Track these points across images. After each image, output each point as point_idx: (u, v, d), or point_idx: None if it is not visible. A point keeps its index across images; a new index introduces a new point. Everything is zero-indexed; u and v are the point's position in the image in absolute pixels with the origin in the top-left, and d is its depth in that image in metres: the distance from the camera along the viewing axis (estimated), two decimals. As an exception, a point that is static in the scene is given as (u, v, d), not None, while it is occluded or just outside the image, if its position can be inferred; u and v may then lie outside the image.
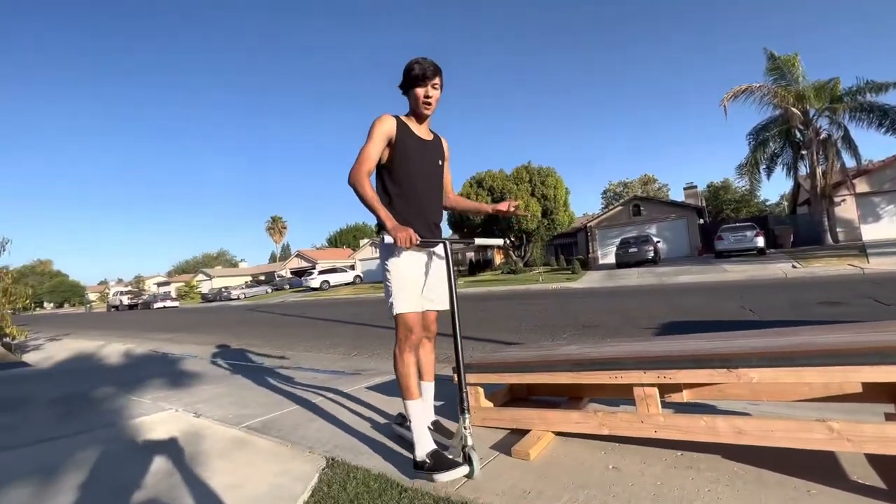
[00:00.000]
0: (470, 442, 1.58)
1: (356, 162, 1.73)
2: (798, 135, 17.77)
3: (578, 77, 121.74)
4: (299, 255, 49.50)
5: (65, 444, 2.32)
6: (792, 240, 19.77)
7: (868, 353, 1.26)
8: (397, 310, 1.76)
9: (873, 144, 70.00)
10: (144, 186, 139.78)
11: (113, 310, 36.79)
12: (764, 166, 18.92)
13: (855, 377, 1.30)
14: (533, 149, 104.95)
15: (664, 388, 1.76)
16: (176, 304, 35.50)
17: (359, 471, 1.69)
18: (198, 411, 2.78)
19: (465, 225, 22.74)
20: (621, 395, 1.98)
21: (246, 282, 44.90)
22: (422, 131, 1.87)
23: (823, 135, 17.02)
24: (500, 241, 2.25)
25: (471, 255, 30.92)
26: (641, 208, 26.19)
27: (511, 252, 23.83)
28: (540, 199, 21.89)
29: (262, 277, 48.85)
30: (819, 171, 16.98)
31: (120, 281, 68.12)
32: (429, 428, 1.93)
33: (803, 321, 4.51)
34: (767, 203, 43.47)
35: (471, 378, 1.99)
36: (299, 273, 39.88)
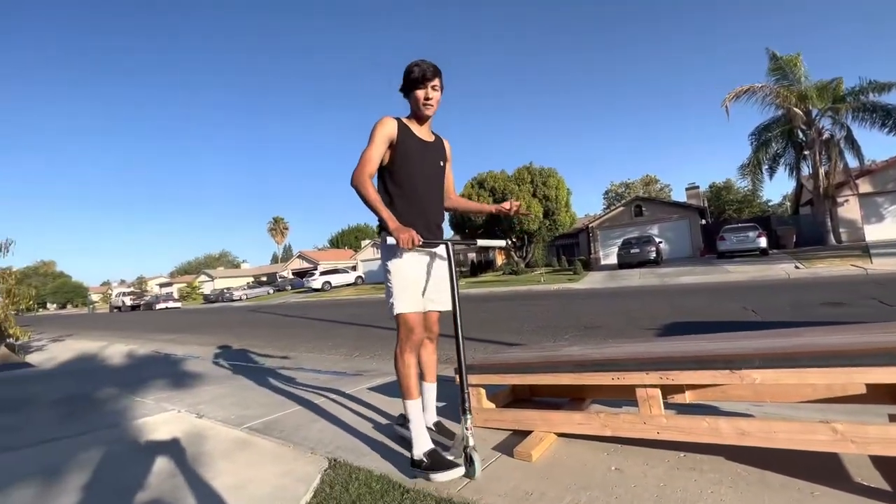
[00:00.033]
0: (472, 443, 1.58)
1: (358, 165, 1.74)
2: (801, 135, 17.73)
3: (579, 77, 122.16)
4: (301, 256, 49.49)
5: (68, 445, 2.33)
6: (795, 240, 19.71)
7: (878, 354, 1.25)
8: (398, 310, 1.76)
9: (876, 144, 70.31)
10: (145, 187, 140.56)
11: (115, 311, 36.87)
12: (766, 166, 18.89)
13: (862, 378, 1.29)
14: (534, 149, 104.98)
15: (667, 390, 1.76)
16: (178, 305, 35.54)
17: (361, 472, 1.69)
18: (200, 412, 2.79)
19: (466, 226, 22.73)
20: (624, 397, 1.97)
21: (248, 283, 45.08)
22: (423, 133, 1.88)
23: (826, 135, 16.96)
24: (501, 242, 2.26)
25: (472, 255, 30.92)
26: (643, 209, 26.11)
27: (513, 253, 23.81)
28: (541, 199, 21.87)
29: (264, 278, 49.05)
30: (822, 171, 16.92)
31: (122, 282, 68.42)
32: (431, 429, 1.94)
33: (806, 322, 4.50)
34: (770, 203, 43.34)
35: (473, 379, 1.99)
36: (301, 274, 39.92)
